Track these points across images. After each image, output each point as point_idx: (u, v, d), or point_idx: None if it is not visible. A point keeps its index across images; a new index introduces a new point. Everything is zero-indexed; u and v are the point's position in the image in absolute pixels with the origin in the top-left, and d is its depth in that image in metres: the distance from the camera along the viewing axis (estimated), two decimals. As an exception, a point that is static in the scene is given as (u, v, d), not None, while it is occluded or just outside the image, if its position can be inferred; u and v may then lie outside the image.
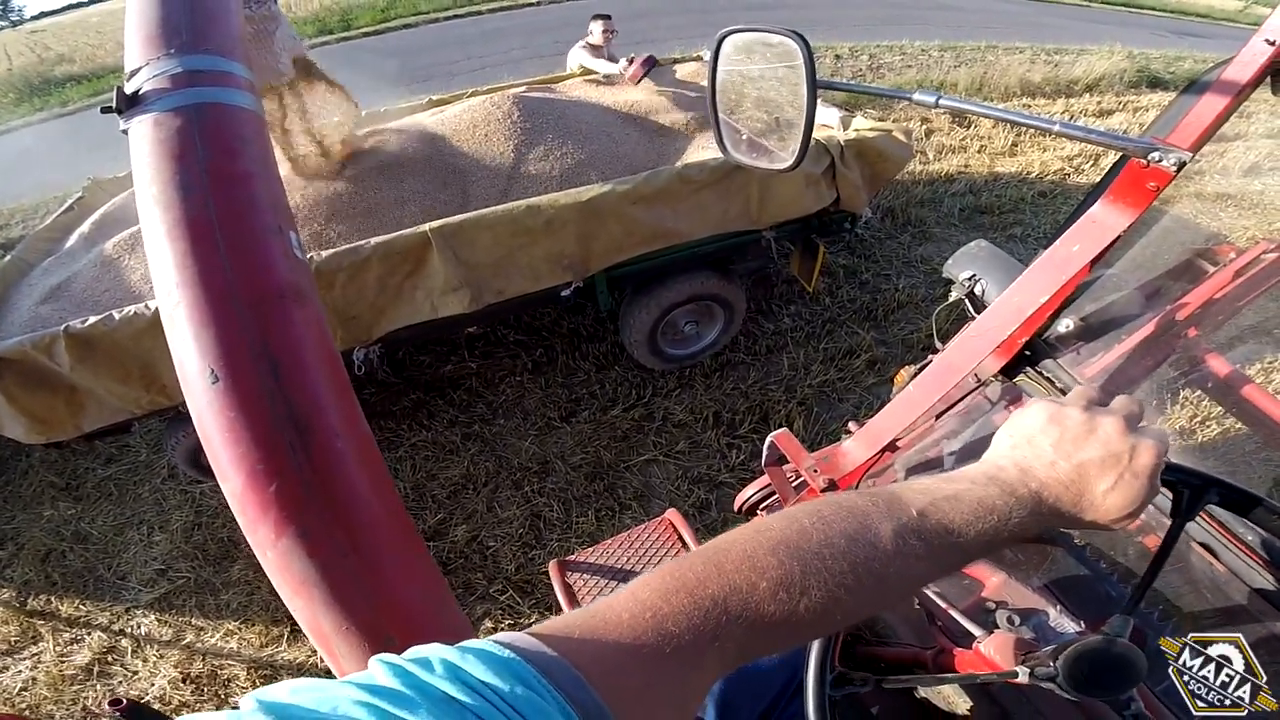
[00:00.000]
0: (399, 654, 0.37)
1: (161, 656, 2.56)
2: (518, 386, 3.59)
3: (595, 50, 4.43)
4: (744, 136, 0.96)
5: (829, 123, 3.41)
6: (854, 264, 4.40)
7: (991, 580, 1.02)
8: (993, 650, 0.80)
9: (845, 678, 0.79)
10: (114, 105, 0.84)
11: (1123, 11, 15.58)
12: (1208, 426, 2.44)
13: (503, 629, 1.72)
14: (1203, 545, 1.00)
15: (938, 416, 1.31)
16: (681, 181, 2.76)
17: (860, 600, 0.49)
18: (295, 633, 2.57)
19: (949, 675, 0.77)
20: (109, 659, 2.58)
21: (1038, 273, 0.97)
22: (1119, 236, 0.87)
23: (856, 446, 1.22)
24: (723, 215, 2.92)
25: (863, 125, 3.29)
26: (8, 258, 2.92)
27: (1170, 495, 0.70)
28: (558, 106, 3.41)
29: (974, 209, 5.03)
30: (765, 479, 1.52)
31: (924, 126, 6.20)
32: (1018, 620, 0.89)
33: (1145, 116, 6.99)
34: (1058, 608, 0.92)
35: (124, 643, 2.63)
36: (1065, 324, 1.33)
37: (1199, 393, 1.67)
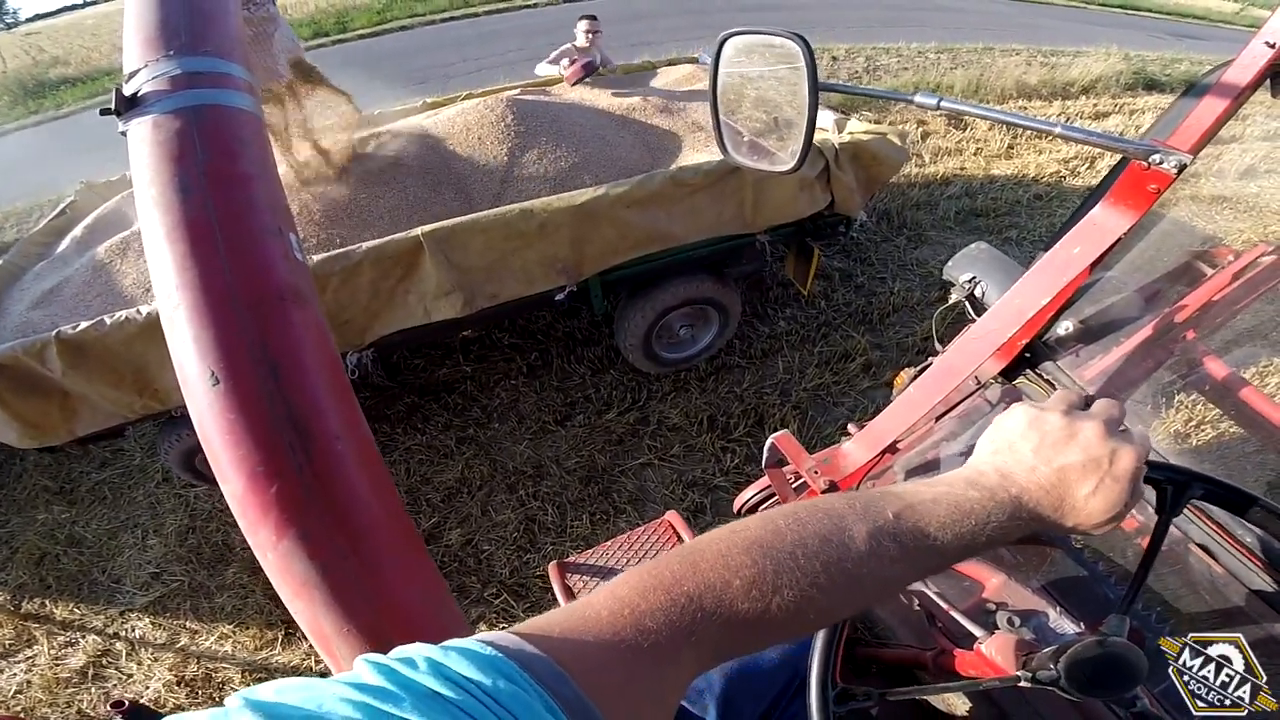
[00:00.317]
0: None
1: (156, 660, 2.55)
2: (512, 390, 3.58)
3: (581, 52, 4.42)
4: (745, 139, 0.96)
5: (824, 125, 3.40)
6: (849, 267, 4.40)
7: (992, 581, 1.02)
8: (994, 651, 0.80)
9: (849, 693, 0.79)
10: (113, 107, 0.84)
11: (1119, 13, 15.68)
12: (1202, 430, 2.45)
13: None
14: (1201, 547, 1.00)
15: (938, 418, 1.31)
16: (675, 185, 2.75)
17: (834, 600, 0.50)
18: (289, 636, 2.56)
19: (953, 684, 0.77)
20: (104, 662, 2.57)
21: (1038, 275, 0.97)
22: (1119, 239, 0.87)
23: (857, 448, 1.22)
24: (717, 219, 2.92)
25: (857, 128, 3.29)
26: (0, 262, 2.91)
27: (1157, 493, 0.70)
28: (552, 109, 3.40)
29: (970, 212, 5.04)
30: (765, 481, 1.51)
31: (920, 129, 6.21)
32: (1018, 621, 0.89)
33: (1141, 118, 7.01)
34: (1058, 609, 0.92)
35: (118, 646, 2.61)
36: (1065, 326, 1.34)
37: (1194, 396, 1.68)
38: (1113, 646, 0.62)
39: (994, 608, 0.92)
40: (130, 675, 2.51)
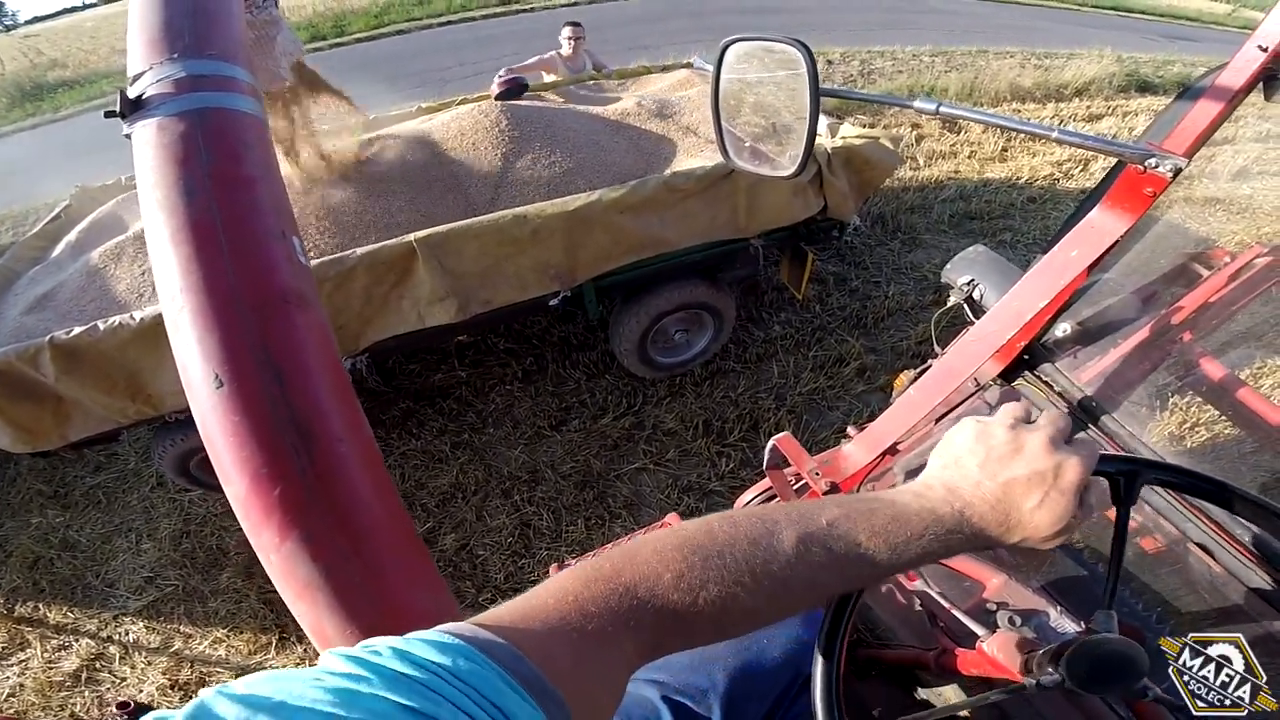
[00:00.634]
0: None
1: (149, 663, 2.54)
2: (508, 395, 3.57)
3: (567, 60, 4.40)
4: (747, 144, 0.97)
5: (818, 130, 3.40)
6: (844, 271, 4.41)
7: (992, 582, 1.02)
8: (996, 649, 0.80)
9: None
10: (117, 110, 0.84)
11: (1112, 15, 15.75)
12: (1196, 432, 2.45)
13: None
14: (1199, 546, 1.01)
15: (938, 420, 1.32)
16: (668, 190, 2.75)
17: (758, 600, 0.53)
18: (283, 640, 2.56)
19: (958, 702, 0.77)
20: (97, 666, 2.56)
21: (1036, 278, 0.98)
22: (1116, 241, 0.88)
23: (857, 450, 1.23)
24: (710, 223, 2.92)
25: (850, 132, 3.28)
26: (-5, 266, 2.90)
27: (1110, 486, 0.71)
28: (546, 115, 3.40)
29: (964, 215, 5.05)
30: (766, 482, 1.52)
31: (914, 132, 6.22)
32: (1019, 621, 0.90)
33: (1134, 121, 7.04)
34: (1058, 608, 0.93)
35: (112, 649, 2.60)
36: (1063, 328, 1.34)
37: (1191, 397, 1.69)
38: (1105, 643, 0.62)
39: (995, 607, 0.92)
40: (124, 679, 2.50)
